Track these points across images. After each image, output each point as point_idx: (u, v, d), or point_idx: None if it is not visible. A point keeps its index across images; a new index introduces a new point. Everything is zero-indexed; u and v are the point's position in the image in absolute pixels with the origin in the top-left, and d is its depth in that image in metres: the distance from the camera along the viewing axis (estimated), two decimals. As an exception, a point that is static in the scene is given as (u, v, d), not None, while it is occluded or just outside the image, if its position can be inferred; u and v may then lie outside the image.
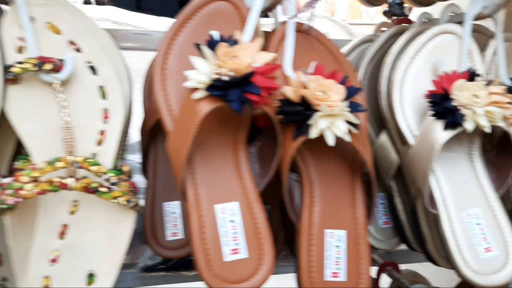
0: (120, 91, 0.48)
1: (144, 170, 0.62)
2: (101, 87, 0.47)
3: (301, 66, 0.48)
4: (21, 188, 0.41)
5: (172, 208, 0.60)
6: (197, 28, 0.47)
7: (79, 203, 0.46)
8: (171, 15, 0.52)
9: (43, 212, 0.45)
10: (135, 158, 0.76)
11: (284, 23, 0.53)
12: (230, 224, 0.44)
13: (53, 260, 0.45)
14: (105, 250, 0.46)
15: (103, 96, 0.47)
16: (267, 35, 0.52)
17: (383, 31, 0.74)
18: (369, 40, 0.70)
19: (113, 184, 0.45)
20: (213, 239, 0.43)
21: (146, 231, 0.58)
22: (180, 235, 0.60)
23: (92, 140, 0.46)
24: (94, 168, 0.44)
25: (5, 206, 0.40)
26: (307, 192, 0.47)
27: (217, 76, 0.41)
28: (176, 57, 0.46)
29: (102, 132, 0.47)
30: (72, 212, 0.46)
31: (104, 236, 0.46)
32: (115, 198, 0.45)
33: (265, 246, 0.44)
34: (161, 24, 0.91)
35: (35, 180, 0.42)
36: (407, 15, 1.33)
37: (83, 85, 0.46)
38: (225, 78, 0.41)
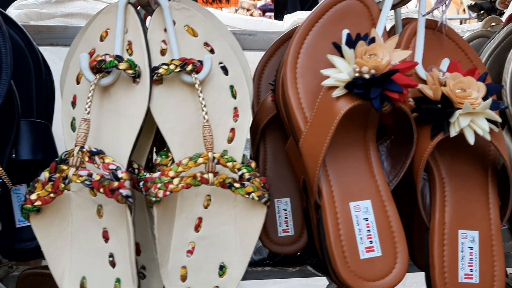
0: (248, 90, 0.50)
1: (255, 167, 0.63)
2: (231, 87, 0.49)
3: (431, 63, 0.48)
4: (169, 182, 0.43)
5: (284, 205, 0.61)
6: (327, 27, 0.47)
7: (211, 198, 0.48)
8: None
9: (181, 206, 0.47)
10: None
11: (405, 19, 0.53)
12: (364, 222, 0.44)
13: (190, 251, 0.47)
14: (236, 243, 0.48)
15: (233, 95, 0.49)
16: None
17: (492, 26, 0.72)
18: (479, 36, 0.68)
19: (247, 180, 0.46)
20: (348, 237, 0.44)
21: (258, 226, 0.59)
22: (291, 232, 0.61)
23: (224, 138, 0.48)
24: (230, 164, 0.46)
25: (156, 199, 0.43)
26: (439, 192, 0.47)
27: (358, 74, 0.42)
28: (307, 56, 0.47)
29: (232, 130, 0.49)
30: (205, 206, 0.48)
31: (235, 229, 0.48)
32: (248, 193, 0.46)
33: (399, 245, 0.44)
34: (260, 24, 0.93)
35: (179, 174, 0.44)
36: (498, 9, 1.27)
37: (216, 84, 0.48)
38: (366, 76, 0.41)
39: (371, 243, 0.44)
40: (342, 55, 0.44)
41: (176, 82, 0.47)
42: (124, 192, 0.41)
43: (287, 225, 0.61)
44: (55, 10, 0.77)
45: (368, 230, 0.44)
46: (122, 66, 0.44)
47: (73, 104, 0.48)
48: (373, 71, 0.41)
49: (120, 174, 0.41)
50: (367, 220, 0.44)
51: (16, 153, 0.51)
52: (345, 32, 0.45)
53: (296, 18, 0.82)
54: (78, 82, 0.48)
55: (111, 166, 0.41)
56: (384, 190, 0.45)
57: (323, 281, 0.79)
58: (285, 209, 0.61)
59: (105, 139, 0.46)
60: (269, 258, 0.70)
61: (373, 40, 0.44)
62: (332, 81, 0.43)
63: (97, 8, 0.81)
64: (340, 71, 0.42)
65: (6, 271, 0.67)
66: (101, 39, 0.47)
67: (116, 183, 0.41)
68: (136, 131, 0.45)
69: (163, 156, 0.47)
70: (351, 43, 0.43)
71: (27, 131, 0.52)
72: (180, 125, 0.47)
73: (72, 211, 0.45)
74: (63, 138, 0.49)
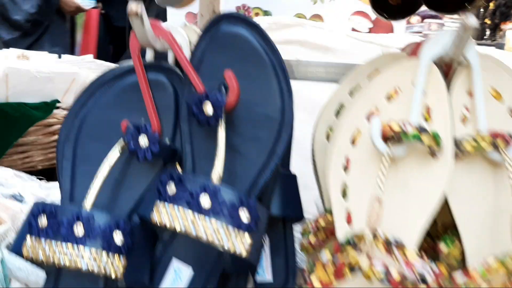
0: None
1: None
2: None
3: None
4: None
5: None
6: None
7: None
8: None
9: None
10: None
11: None
12: None
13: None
14: None
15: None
16: None
17: None
18: None
19: None
20: None
21: None
22: None
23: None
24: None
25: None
26: None
27: None
28: None
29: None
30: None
31: None
32: None
33: None
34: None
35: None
36: None
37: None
38: None
39: None
40: None
41: (477, 157, 0.39)
42: (435, 302, 0.34)
43: None
44: (274, 37, 0.74)
45: None
46: (427, 140, 0.37)
47: (346, 168, 0.42)
48: None
49: (428, 277, 0.34)
50: None
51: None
52: None
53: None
54: (353, 143, 0.42)
55: (417, 266, 0.35)
56: None
57: None
58: None
59: (389, 219, 0.39)
60: None
61: None
62: None
63: (314, 34, 0.77)
64: None
65: None
66: (388, 98, 0.41)
67: None
68: (430, 214, 0.38)
69: (449, 244, 0.40)
70: None
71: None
72: (476, 210, 0.39)
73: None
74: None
